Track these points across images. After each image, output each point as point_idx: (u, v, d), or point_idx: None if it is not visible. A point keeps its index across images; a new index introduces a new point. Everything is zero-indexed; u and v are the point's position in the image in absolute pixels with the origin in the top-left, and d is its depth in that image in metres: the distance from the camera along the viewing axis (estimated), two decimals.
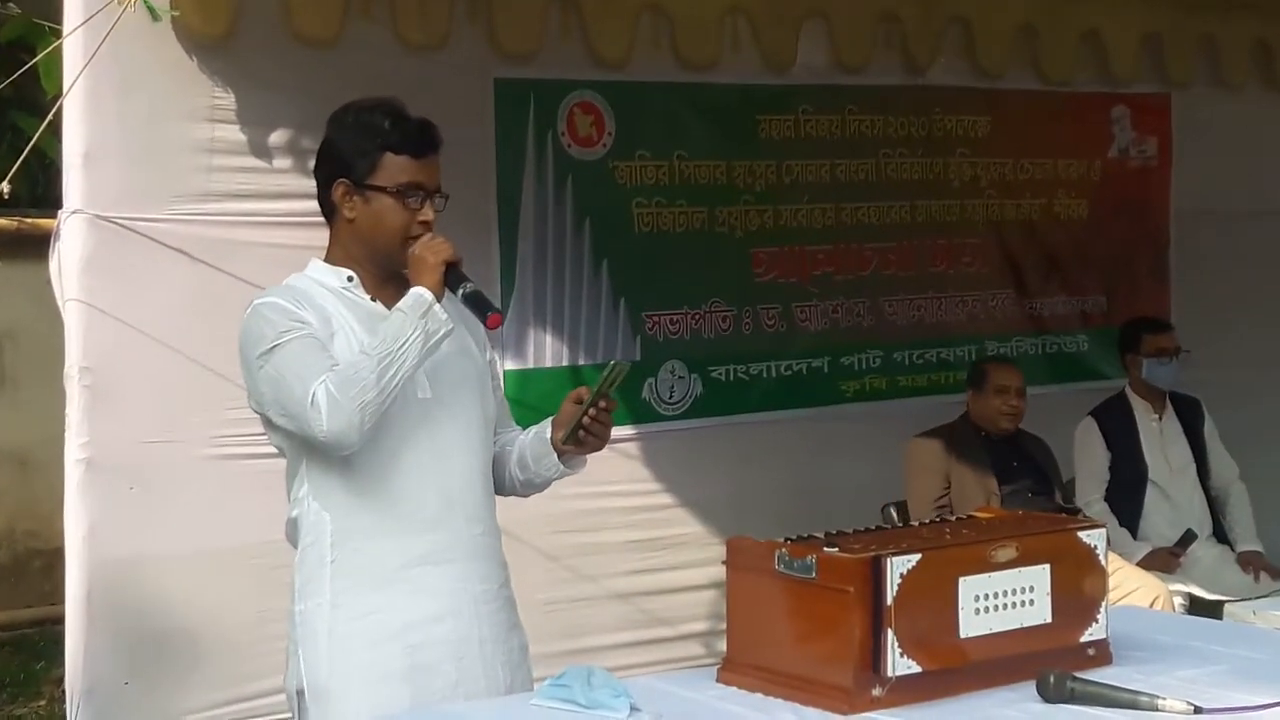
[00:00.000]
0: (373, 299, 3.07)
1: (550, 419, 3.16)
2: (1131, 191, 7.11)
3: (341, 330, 3.00)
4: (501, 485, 3.21)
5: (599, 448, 3.12)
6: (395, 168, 3.02)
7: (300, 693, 3.02)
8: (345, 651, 2.97)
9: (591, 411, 3.04)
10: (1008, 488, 5.54)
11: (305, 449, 2.99)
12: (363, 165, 3.03)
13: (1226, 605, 4.31)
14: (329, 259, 3.12)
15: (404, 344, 2.89)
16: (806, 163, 6.29)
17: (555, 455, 3.12)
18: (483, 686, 3.03)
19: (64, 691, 5.00)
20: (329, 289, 3.07)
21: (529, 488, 3.23)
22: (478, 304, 3.04)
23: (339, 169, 3.06)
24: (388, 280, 3.08)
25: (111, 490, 4.82)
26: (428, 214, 3.05)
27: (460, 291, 3.01)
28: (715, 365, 6.10)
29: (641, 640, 5.79)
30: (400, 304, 2.95)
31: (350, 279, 3.06)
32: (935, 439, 5.67)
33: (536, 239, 5.69)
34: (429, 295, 2.93)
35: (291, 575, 3.08)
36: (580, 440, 3.08)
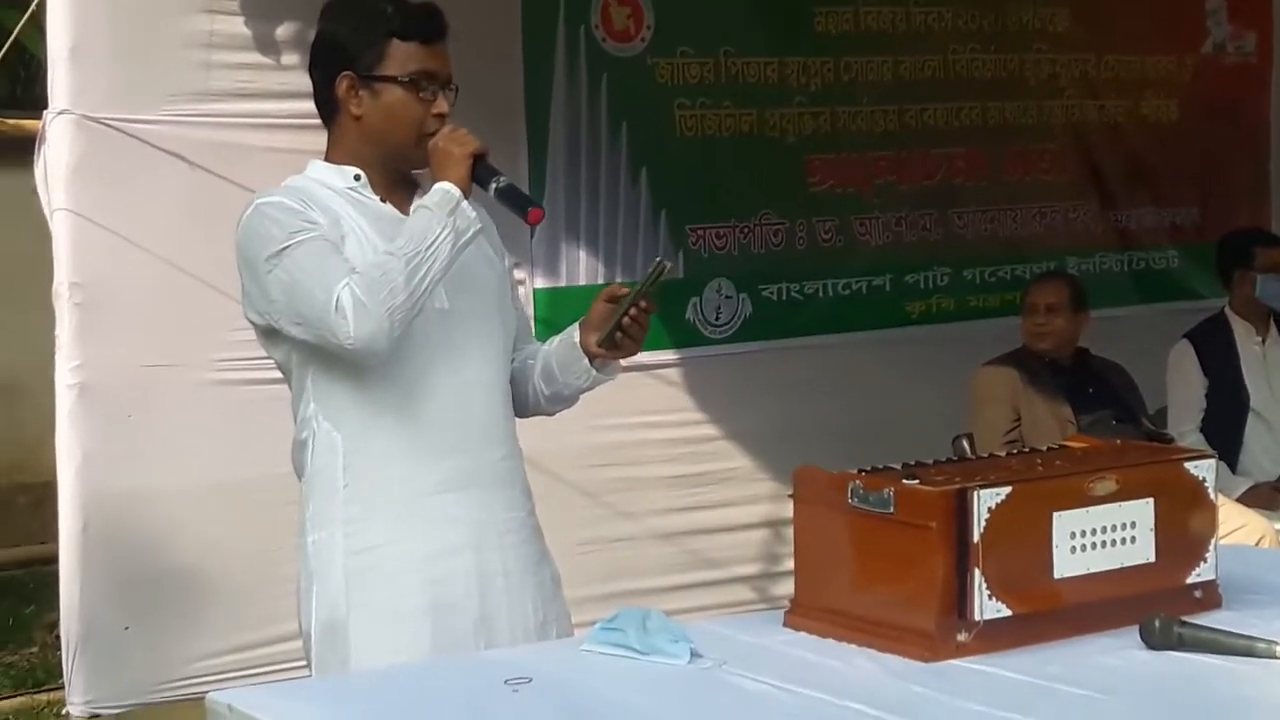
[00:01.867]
0: (382, 200, 3.04)
1: (577, 323, 3.14)
2: (1228, 91, 7.05)
3: (352, 233, 2.97)
4: (525, 404, 3.19)
5: (634, 352, 3.10)
6: (404, 55, 2.99)
7: (313, 630, 3.02)
8: (362, 586, 2.95)
9: (632, 311, 3.02)
10: (1086, 418, 5.51)
11: (313, 363, 2.96)
12: (369, 55, 2.99)
13: None
14: (331, 159, 3.08)
15: (433, 243, 2.86)
16: (867, 60, 6.25)
17: (586, 360, 3.10)
18: (507, 623, 3.03)
19: (58, 637, 5.04)
20: (334, 190, 3.03)
21: (555, 402, 3.21)
22: (515, 199, 2.99)
23: (342, 61, 3.00)
24: (396, 182, 3.06)
25: (107, 418, 4.83)
26: (442, 106, 3.01)
27: (493, 186, 2.97)
28: (766, 284, 6.08)
29: (687, 584, 5.80)
30: (424, 200, 2.93)
31: (358, 178, 3.03)
32: (1002, 366, 5.64)
33: (568, 145, 5.66)
34: (456, 190, 2.90)
35: (301, 505, 3.07)
36: (616, 343, 3.05)
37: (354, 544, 2.96)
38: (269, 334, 3.03)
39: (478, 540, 3.02)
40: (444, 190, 2.91)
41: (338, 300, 2.81)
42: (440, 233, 2.87)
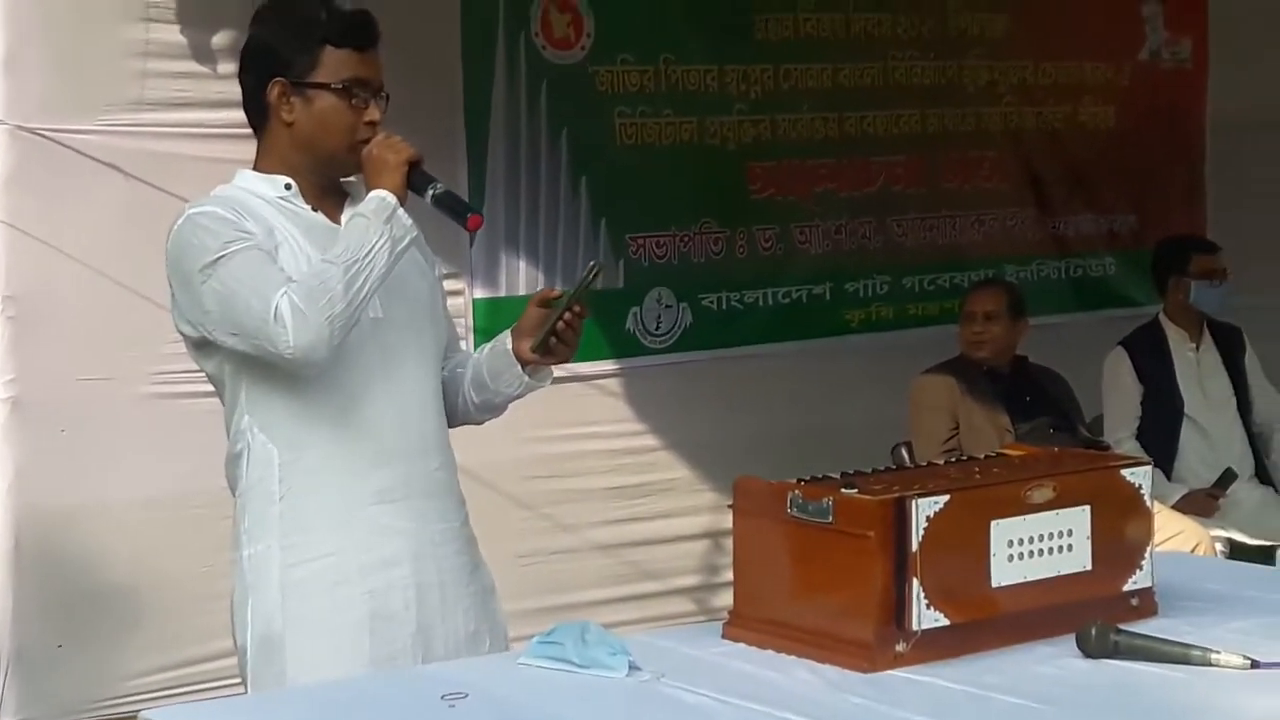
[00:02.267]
0: (313, 209, 3.03)
1: (508, 331, 3.13)
2: (1164, 98, 7.12)
3: (286, 242, 2.95)
4: (454, 413, 3.18)
5: (568, 357, 3.09)
6: (336, 62, 2.97)
7: (249, 645, 2.98)
8: (300, 598, 2.93)
9: (566, 316, 3.02)
10: (1024, 425, 5.54)
11: (247, 374, 2.94)
12: (301, 61, 2.97)
13: (1279, 551, 4.31)
14: (261, 168, 3.06)
15: (370, 251, 2.85)
16: (806, 67, 6.27)
17: (519, 367, 3.09)
18: (441, 634, 3.02)
19: None
20: (265, 199, 3.00)
21: (485, 411, 3.20)
22: (452, 205, 2.99)
23: (274, 67, 2.98)
24: (327, 191, 3.05)
25: (40, 433, 4.79)
26: (374, 113, 3.00)
27: (429, 193, 2.95)
28: (706, 293, 6.09)
29: (626, 596, 5.80)
30: (360, 208, 2.92)
31: (288, 187, 3.01)
32: (940, 375, 5.66)
33: (507, 153, 5.65)
34: (392, 198, 2.89)
35: (235, 520, 3.03)
36: (550, 349, 3.05)
37: (290, 557, 2.94)
38: (201, 346, 3.00)
39: (415, 551, 3.00)
40: (380, 198, 2.89)
41: (276, 309, 2.79)
42: (377, 241, 2.85)
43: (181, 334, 3.03)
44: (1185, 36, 7.16)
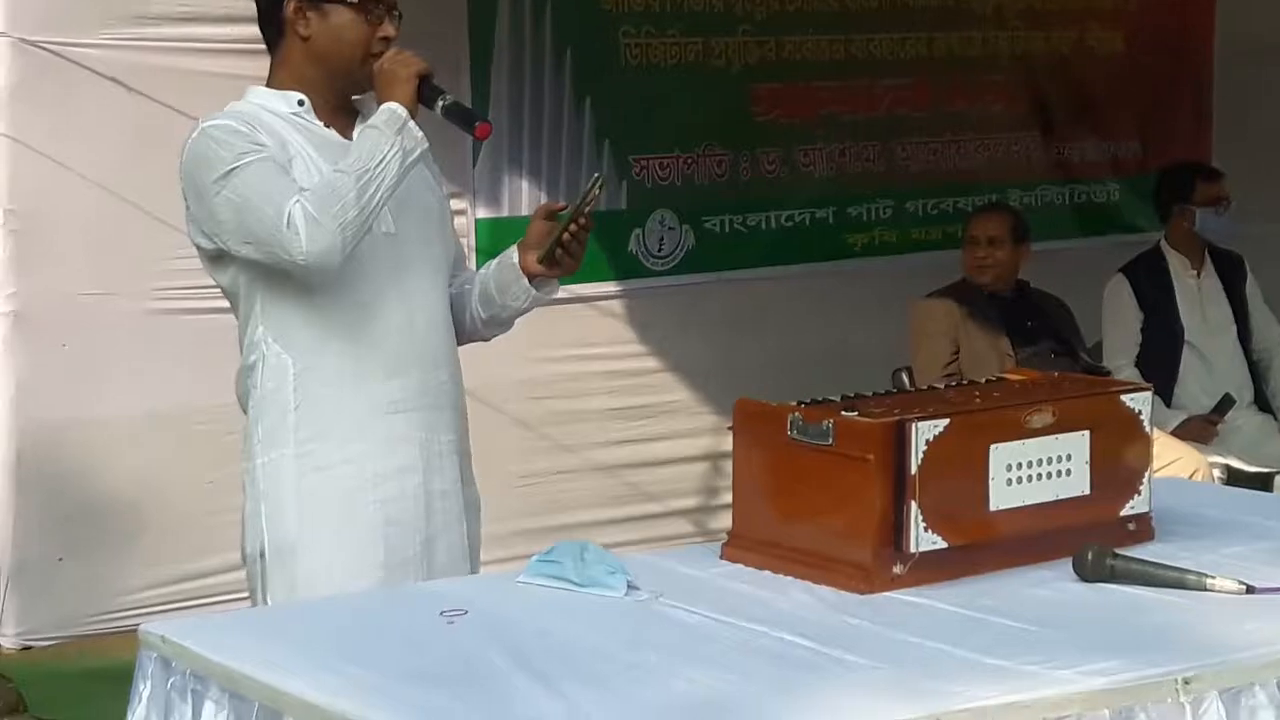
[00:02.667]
0: (325, 125, 3.06)
1: (514, 245, 3.17)
2: (1172, 22, 7.07)
3: (299, 157, 3.00)
4: (462, 329, 3.23)
5: (574, 269, 3.13)
6: None
7: (262, 554, 3.02)
8: (315, 504, 2.98)
9: (571, 227, 3.05)
10: (1025, 351, 5.53)
11: (262, 285, 2.99)
12: None
13: (1277, 477, 4.31)
14: (274, 84, 3.10)
15: (382, 161, 2.89)
16: None
17: (525, 280, 3.13)
18: (445, 544, 3.08)
19: None
20: (278, 115, 3.04)
21: (492, 326, 3.24)
22: (462, 115, 3.05)
23: None
24: (339, 107, 3.09)
25: (42, 347, 4.81)
26: (388, 29, 3.04)
27: (439, 104, 3.00)
28: (709, 215, 6.08)
29: (626, 517, 5.83)
30: (372, 120, 2.95)
31: (301, 103, 3.05)
32: (941, 299, 5.64)
33: (511, 73, 5.63)
34: (403, 110, 2.94)
35: (247, 429, 3.07)
36: (556, 260, 3.08)
37: (306, 464, 2.99)
38: (215, 258, 3.03)
39: (424, 461, 3.06)
40: (391, 110, 2.93)
41: (289, 216, 2.84)
42: (388, 151, 2.90)
43: (196, 246, 3.06)
44: None
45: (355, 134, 3.01)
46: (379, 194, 2.89)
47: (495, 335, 3.30)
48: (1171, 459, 5.17)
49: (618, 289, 5.87)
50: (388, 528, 3.00)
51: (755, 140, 6.15)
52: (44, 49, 4.75)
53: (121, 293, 4.91)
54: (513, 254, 3.15)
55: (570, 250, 3.08)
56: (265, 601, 3.01)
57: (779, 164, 6.20)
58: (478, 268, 3.41)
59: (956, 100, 6.59)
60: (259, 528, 3.01)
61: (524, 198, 5.68)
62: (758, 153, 6.16)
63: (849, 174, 6.35)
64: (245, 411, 3.09)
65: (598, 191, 3.08)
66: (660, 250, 5.99)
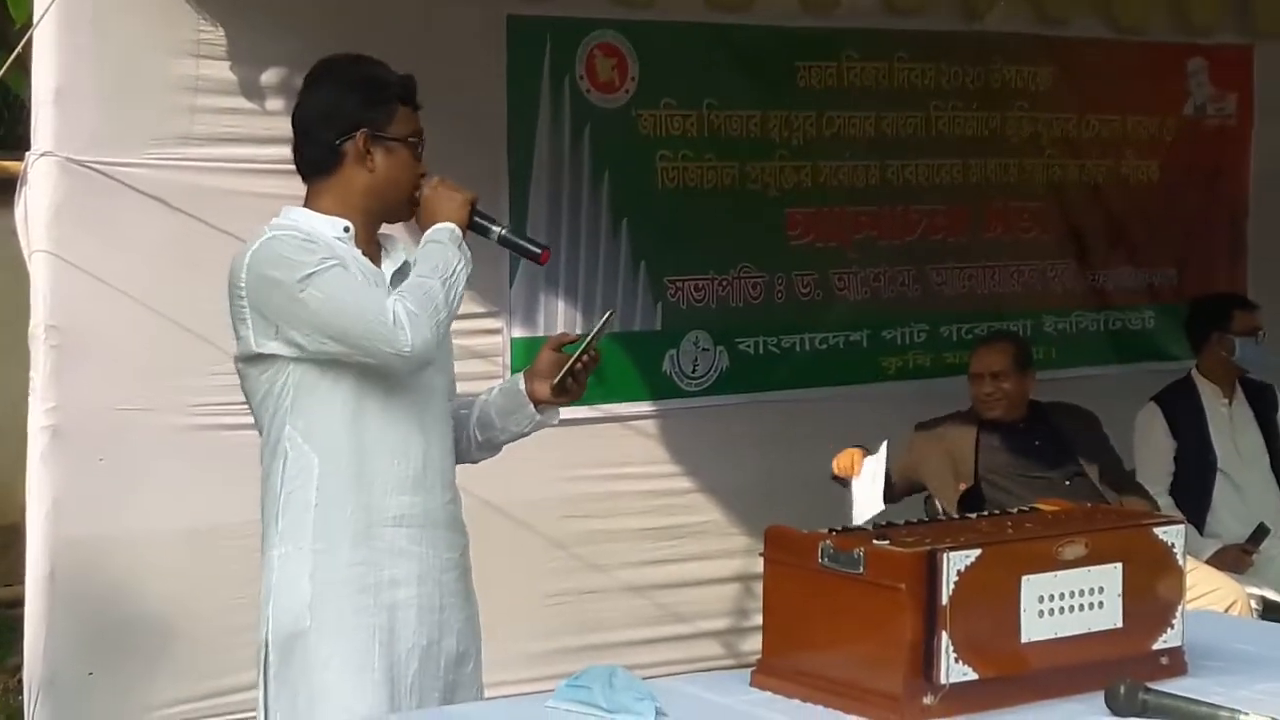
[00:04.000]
0: (363, 254, 3.24)
1: (518, 374, 3.40)
2: (1207, 154, 7.10)
3: (353, 274, 3.18)
4: (455, 451, 3.39)
5: (578, 397, 3.35)
6: (405, 119, 3.25)
7: (268, 641, 3.18)
8: (328, 598, 3.14)
9: (584, 358, 3.26)
10: (1042, 475, 5.47)
11: (298, 387, 3.14)
12: (382, 116, 3.22)
13: None
14: (317, 208, 3.25)
15: (455, 270, 3.15)
16: (849, 115, 6.29)
17: (531, 407, 3.34)
18: (437, 653, 3.23)
19: (21, 681, 5.02)
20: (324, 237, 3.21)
21: (485, 449, 3.45)
22: (521, 243, 3.31)
23: (357, 119, 3.21)
24: (373, 238, 3.28)
25: (79, 461, 4.83)
26: (423, 166, 3.29)
27: (495, 232, 3.25)
28: (743, 337, 6.10)
29: (656, 637, 5.80)
30: (431, 236, 3.19)
31: (346, 230, 3.21)
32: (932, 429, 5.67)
33: (550, 194, 5.69)
34: (458, 230, 3.20)
35: (265, 523, 3.23)
36: (565, 388, 3.29)
37: (321, 561, 3.14)
38: (257, 360, 3.17)
39: (421, 574, 3.22)
40: (449, 229, 3.19)
41: (394, 313, 3.04)
42: (456, 262, 3.16)
43: (243, 346, 3.19)
44: (1231, 92, 7.14)
45: (384, 267, 3.22)
46: (457, 298, 3.14)
47: (483, 459, 3.50)
48: (1209, 589, 5.14)
49: (651, 409, 5.89)
50: (389, 633, 3.16)
51: (790, 263, 6.19)
52: (90, 168, 4.81)
53: (159, 408, 4.94)
54: (519, 381, 3.37)
55: (579, 379, 3.29)
56: (267, 694, 3.17)
57: (813, 287, 6.24)
58: None
59: (991, 226, 6.62)
60: (268, 615, 3.18)
61: (559, 318, 5.72)
62: (792, 275, 6.20)
63: (883, 298, 6.38)
64: (263, 505, 3.24)
65: (609, 325, 3.33)
66: (694, 371, 6.01)
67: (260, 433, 3.27)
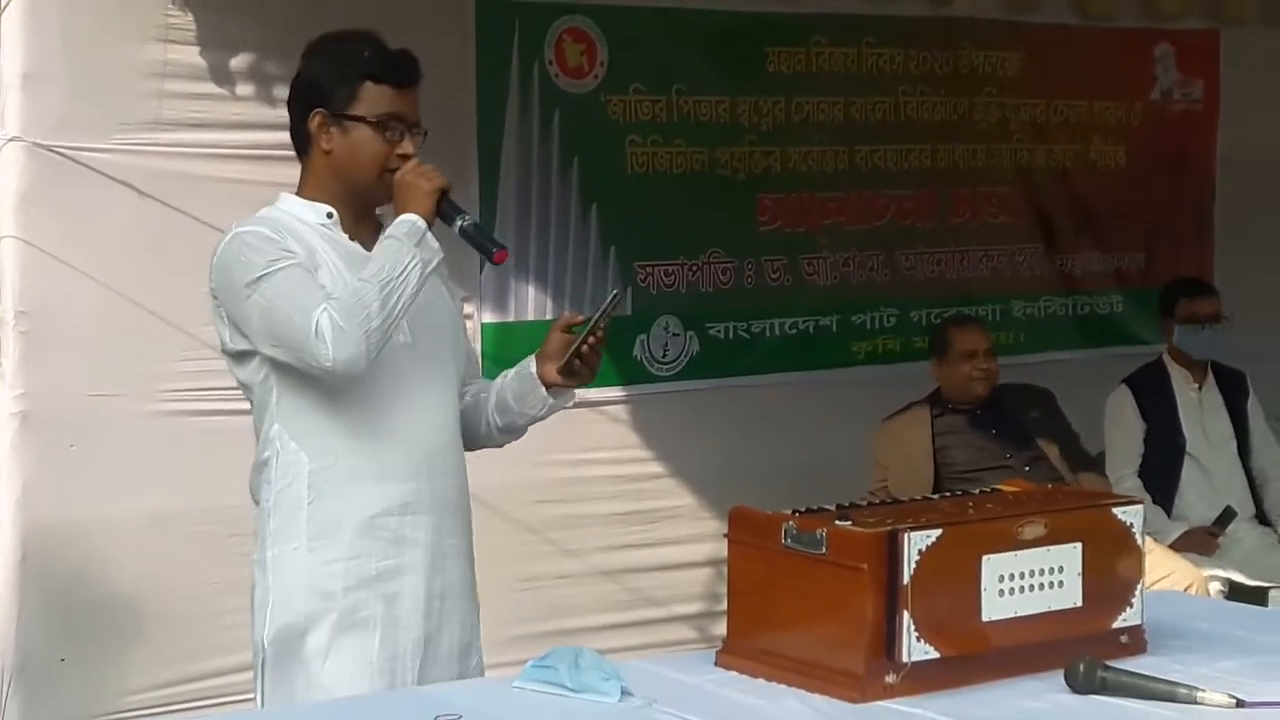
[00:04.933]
0: (350, 238, 3.17)
1: (531, 356, 3.28)
2: (1174, 139, 7.14)
3: (325, 265, 3.11)
4: (476, 437, 3.34)
5: (589, 379, 3.25)
6: (375, 97, 3.12)
7: (265, 642, 3.11)
8: (322, 594, 3.08)
9: (590, 339, 3.17)
10: (984, 469, 5.50)
11: (282, 384, 3.09)
12: (341, 94, 3.12)
13: (1272, 591, 4.32)
14: (303, 194, 3.21)
15: (403, 271, 3.00)
16: (818, 100, 6.30)
17: (543, 389, 3.24)
18: (445, 643, 3.17)
19: None
20: (307, 224, 3.16)
21: (507, 433, 3.36)
22: (480, 239, 3.16)
23: (316, 98, 3.14)
24: (362, 219, 3.19)
25: (49, 447, 4.83)
26: (407, 147, 3.14)
27: (458, 224, 3.11)
28: (713, 322, 6.12)
29: (628, 622, 5.82)
30: (391, 230, 3.06)
31: (330, 215, 3.16)
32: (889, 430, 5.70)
33: (519, 179, 5.70)
34: (422, 222, 3.05)
35: (259, 522, 3.16)
36: (574, 370, 3.20)
37: (316, 558, 3.08)
38: (239, 355, 3.14)
39: (428, 563, 3.16)
40: (410, 221, 3.04)
41: (317, 325, 2.95)
42: (409, 261, 3.00)
43: (222, 343, 3.18)
44: (1197, 78, 7.18)
45: (379, 240, 3.11)
46: (400, 303, 3.00)
47: (508, 442, 3.42)
48: (1167, 572, 5.18)
49: (622, 394, 5.90)
50: (386, 625, 3.10)
51: (760, 248, 6.21)
52: (57, 153, 4.81)
53: (129, 394, 4.94)
54: (530, 364, 3.27)
55: (587, 361, 3.20)
56: (264, 689, 3.10)
57: (783, 272, 6.26)
58: (484, 372, 3.49)
59: (960, 211, 6.65)
60: (265, 617, 3.11)
61: (530, 303, 5.73)
62: (762, 260, 6.21)
63: (852, 283, 6.40)
64: (257, 503, 3.18)
65: (614, 307, 3.20)
66: (665, 356, 6.03)
67: (255, 429, 3.21)
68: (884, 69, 6.44)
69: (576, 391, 3.32)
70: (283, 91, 4.95)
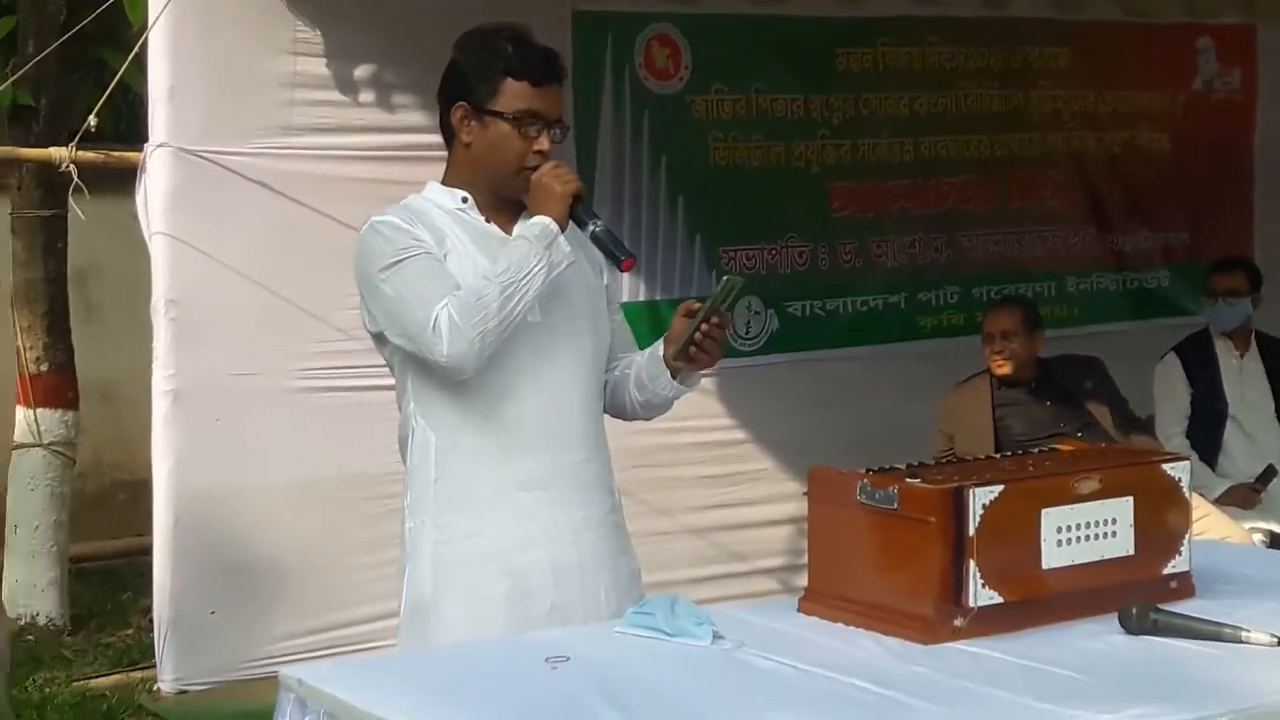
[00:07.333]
0: (486, 220, 3.01)
1: (664, 336, 3.08)
2: (1215, 125, 7.05)
3: (455, 250, 2.96)
4: (622, 409, 3.15)
5: (710, 364, 3.04)
6: (514, 94, 2.95)
7: (402, 610, 3.03)
8: (448, 570, 2.95)
9: (704, 327, 2.96)
10: (1041, 438, 5.40)
11: (412, 367, 2.97)
12: (483, 89, 2.96)
13: None
14: (445, 181, 3.07)
15: (528, 274, 2.85)
16: (885, 96, 6.29)
17: (669, 374, 3.04)
18: (581, 613, 3.00)
19: (151, 621, 5.11)
20: (444, 209, 3.01)
21: (650, 408, 3.15)
22: (610, 245, 2.96)
23: (459, 91, 2.98)
24: (501, 205, 3.01)
25: (198, 422, 4.91)
26: (544, 144, 2.96)
27: (590, 228, 2.94)
28: (791, 301, 6.11)
29: (716, 575, 5.82)
30: (524, 231, 2.91)
31: (465, 200, 3.00)
32: (953, 403, 5.62)
33: (614, 174, 5.72)
34: (554, 226, 2.88)
35: (405, 493, 3.05)
36: (691, 356, 3.00)
37: (442, 535, 2.96)
38: (378, 338, 3.03)
39: (553, 535, 2.99)
40: (543, 224, 2.87)
41: (435, 320, 2.83)
42: (535, 264, 2.85)
43: (364, 324, 3.04)
44: (1235, 68, 7.08)
45: (515, 230, 2.95)
46: (521, 305, 2.85)
47: (655, 415, 3.20)
48: (1203, 530, 5.09)
49: (709, 369, 5.89)
50: (511, 596, 2.96)
51: (833, 233, 6.19)
52: (200, 157, 4.88)
53: (268, 372, 5.00)
54: (660, 346, 3.06)
55: (704, 347, 2.98)
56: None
57: (854, 255, 6.24)
58: None
59: (1017, 196, 6.60)
60: (403, 585, 3.02)
61: (624, 286, 5.70)
62: (835, 244, 6.20)
63: (919, 263, 6.37)
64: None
65: (728, 294, 2.96)
66: (747, 333, 6.03)
67: (397, 404, 3.09)
68: (945, 66, 6.41)
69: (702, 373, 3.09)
70: (401, 99, 5.02)
